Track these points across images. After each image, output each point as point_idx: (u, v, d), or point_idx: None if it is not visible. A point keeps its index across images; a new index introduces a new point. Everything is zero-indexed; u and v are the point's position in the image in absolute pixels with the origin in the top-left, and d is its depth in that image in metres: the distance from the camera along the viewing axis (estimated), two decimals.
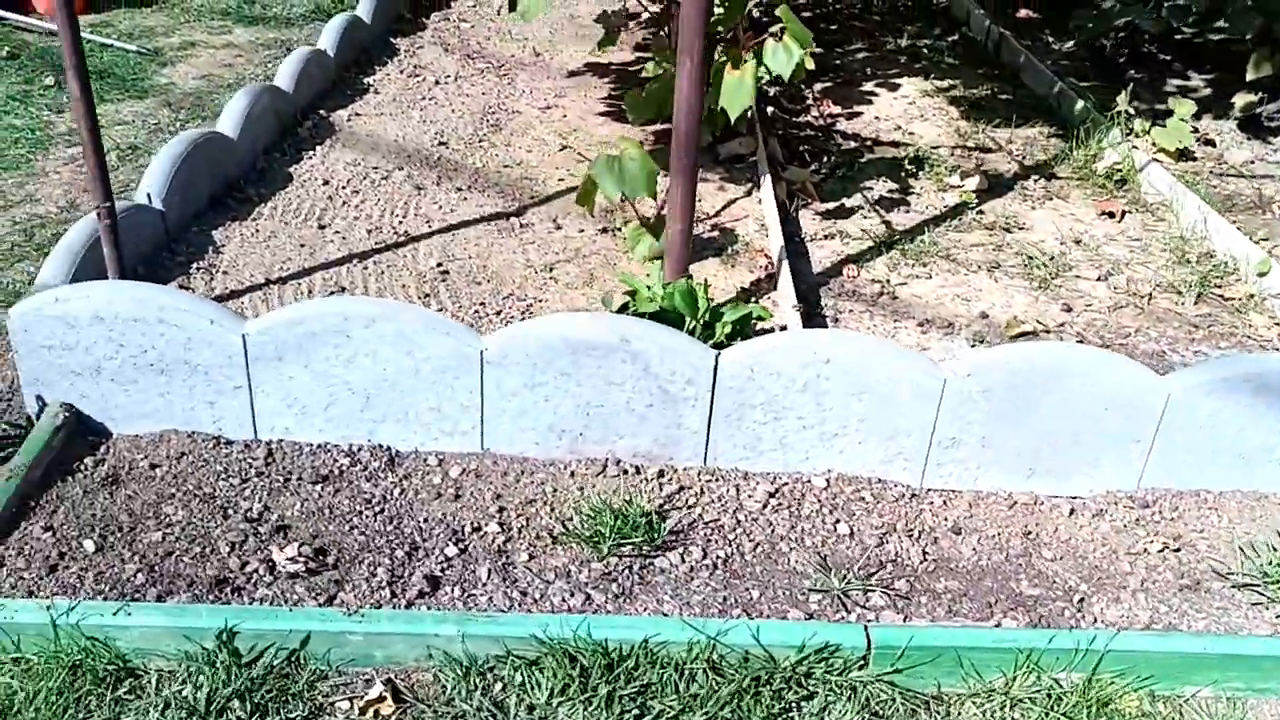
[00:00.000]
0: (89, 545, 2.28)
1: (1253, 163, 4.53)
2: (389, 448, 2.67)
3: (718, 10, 3.51)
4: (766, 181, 3.95)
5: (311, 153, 4.06)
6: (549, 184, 3.98)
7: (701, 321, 2.71)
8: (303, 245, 3.38)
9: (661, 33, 5.23)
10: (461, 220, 3.60)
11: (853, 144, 4.70)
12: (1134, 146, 4.40)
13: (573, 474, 2.64)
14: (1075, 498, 2.70)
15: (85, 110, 2.47)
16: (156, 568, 2.24)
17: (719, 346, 2.65)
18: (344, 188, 3.78)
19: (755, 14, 5.81)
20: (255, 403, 2.62)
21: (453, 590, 2.25)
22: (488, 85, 4.97)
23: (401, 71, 5.03)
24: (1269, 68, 4.60)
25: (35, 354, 2.55)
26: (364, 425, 2.65)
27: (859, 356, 2.59)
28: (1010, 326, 3.20)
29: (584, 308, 3.18)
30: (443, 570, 2.30)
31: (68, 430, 2.56)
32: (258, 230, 3.44)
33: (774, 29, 3.27)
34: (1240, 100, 4.67)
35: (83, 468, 2.52)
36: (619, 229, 3.64)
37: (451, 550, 2.36)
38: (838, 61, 5.85)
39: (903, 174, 4.37)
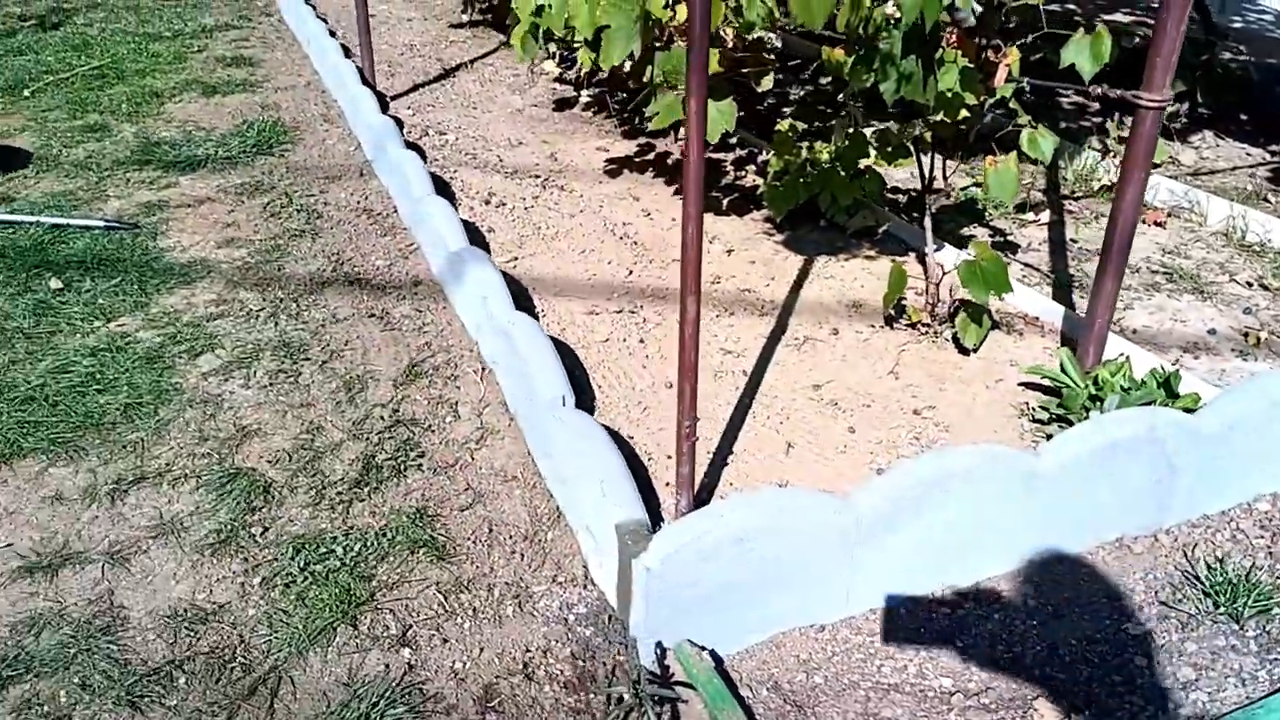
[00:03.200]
0: None
1: (1198, 161, 5.58)
2: (972, 587, 2.71)
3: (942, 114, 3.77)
4: (949, 252, 4.25)
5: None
6: (763, 292, 4.01)
7: (1165, 393, 3.01)
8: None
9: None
10: (759, 348, 3.57)
11: (901, 197, 5.13)
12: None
13: (1106, 561, 2.84)
14: None
15: (692, 337, 2.31)
16: None
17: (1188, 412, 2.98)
18: (624, 340, 3.58)
19: None
20: (853, 576, 2.55)
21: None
22: (556, 199, 4.81)
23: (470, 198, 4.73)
24: (1180, 84, 5.69)
25: (668, 598, 2.31)
26: (941, 574, 2.68)
27: None
28: (1250, 337, 3.81)
29: (981, 403, 3.31)
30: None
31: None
32: (620, 402, 3.20)
33: (1019, 120, 3.59)
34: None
35: (751, 703, 2.33)
36: (896, 319, 3.78)
37: (1196, 674, 2.49)
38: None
39: (985, 215, 4.89)
